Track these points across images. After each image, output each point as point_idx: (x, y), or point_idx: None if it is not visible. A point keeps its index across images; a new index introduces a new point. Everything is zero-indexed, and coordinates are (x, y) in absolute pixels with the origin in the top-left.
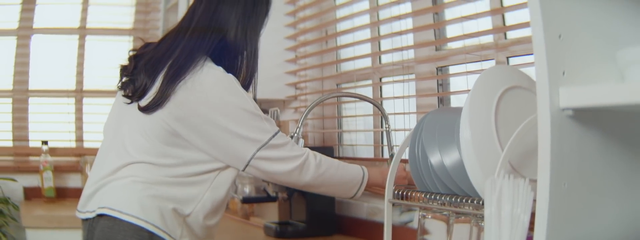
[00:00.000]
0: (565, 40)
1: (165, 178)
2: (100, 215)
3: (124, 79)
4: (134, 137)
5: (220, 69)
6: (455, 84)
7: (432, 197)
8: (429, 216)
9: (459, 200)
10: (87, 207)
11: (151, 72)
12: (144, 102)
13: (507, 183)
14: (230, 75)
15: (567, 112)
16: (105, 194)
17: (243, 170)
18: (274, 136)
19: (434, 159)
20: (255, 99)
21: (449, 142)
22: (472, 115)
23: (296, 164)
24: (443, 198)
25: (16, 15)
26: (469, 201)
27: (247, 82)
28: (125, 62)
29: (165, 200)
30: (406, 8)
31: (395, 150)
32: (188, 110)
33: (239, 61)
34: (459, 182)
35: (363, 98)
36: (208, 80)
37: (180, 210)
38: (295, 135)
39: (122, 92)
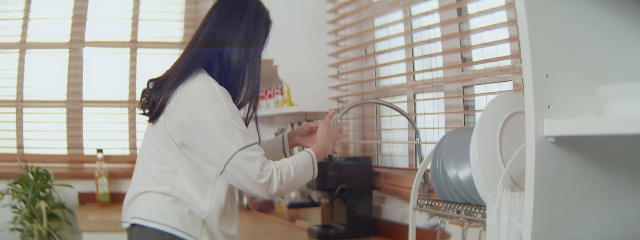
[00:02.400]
0: (552, 79)
1: (175, 178)
2: (133, 225)
3: (143, 100)
4: (150, 150)
5: (210, 80)
6: (479, 101)
7: (449, 206)
8: (447, 222)
9: (470, 209)
10: (125, 218)
11: (158, 88)
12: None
13: (506, 195)
14: (217, 87)
15: (550, 139)
16: (135, 206)
17: (220, 173)
18: (243, 148)
19: (451, 173)
20: (255, 115)
21: (463, 159)
22: (479, 137)
23: (262, 181)
24: (458, 207)
25: (68, 28)
26: (479, 210)
27: (249, 99)
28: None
29: (182, 204)
30: (435, 33)
31: None
32: (178, 115)
33: (240, 80)
34: (471, 194)
35: (395, 108)
36: (194, 89)
37: (197, 211)
38: (335, 121)
39: (140, 111)
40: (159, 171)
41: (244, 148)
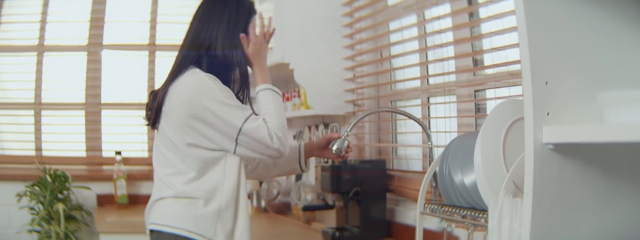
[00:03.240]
0: (551, 86)
1: (182, 179)
2: (151, 231)
3: (147, 112)
4: (157, 156)
5: (196, 71)
6: (490, 105)
7: (455, 210)
8: (454, 225)
9: (475, 214)
10: (146, 224)
11: (155, 96)
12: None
13: (508, 201)
14: (203, 75)
15: (549, 146)
16: (152, 212)
17: (234, 152)
18: (247, 120)
19: (457, 178)
20: (248, 98)
21: (468, 164)
22: (483, 142)
23: (275, 144)
24: (463, 211)
25: (85, 31)
26: (483, 215)
27: (241, 93)
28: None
29: (194, 205)
30: (448, 37)
31: None
32: (175, 113)
33: (231, 75)
34: (476, 199)
35: (404, 114)
36: (182, 84)
37: (209, 210)
38: (344, 136)
39: (145, 122)
40: (166, 175)
41: (246, 120)
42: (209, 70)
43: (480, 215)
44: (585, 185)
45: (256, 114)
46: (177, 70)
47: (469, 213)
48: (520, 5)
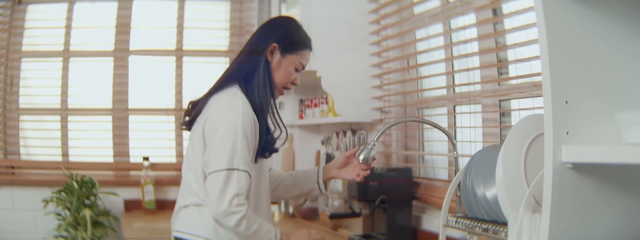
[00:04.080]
0: (572, 105)
1: (202, 185)
2: (175, 238)
3: (185, 119)
4: (187, 160)
5: (238, 94)
6: (515, 116)
7: (476, 224)
8: (475, 237)
9: (497, 228)
10: (172, 231)
11: (197, 103)
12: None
13: (527, 217)
14: (241, 103)
15: (568, 165)
16: (177, 220)
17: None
18: (232, 170)
19: (479, 191)
20: (275, 107)
21: (490, 178)
22: (505, 157)
23: (223, 208)
24: (485, 225)
25: (112, 37)
26: (504, 229)
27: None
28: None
29: None
30: (473, 47)
31: None
32: (203, 120)
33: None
34: (497, 212)
35: (429, 123)
36: (220, 100)
37: None
38: (371, 144)
39: (183, 127)
40: (188, 181)
41: (232, 170)
42: (250, 84)
43: (501, 229)
44: (602, 204)
45: (249, 174)
46: (221, 85)
47: (490, 226)
48: (542, 26)
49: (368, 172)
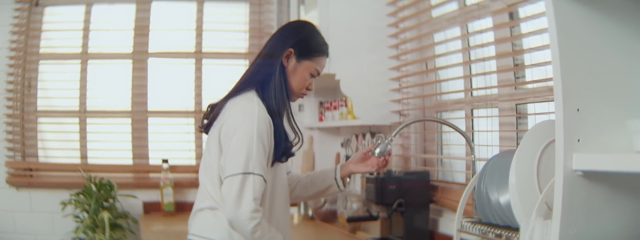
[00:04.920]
0: (583, 113)
1: (217, 189)
2: None
3: (204, 121)
4: (204, 163)
5: (255, 100)
6: (531, 120)
7: (489, 229)
8: None
9: (509, 233)
10: (188, 234)
11: (214, 106)
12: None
13: (539, 223)
14: (256, 109)
15: (578, 172)
16: (193, 223)
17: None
18: (251, 173)
19: (493, 196)
20: (291, 112)
21: (504, 184)
22: (518, 163)
23: (245, 215)
24: (498, 230)
25: (130, 39)
26: (517, 235)
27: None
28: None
29: None
30: (490, 51)
31: None
32: (219, 125)
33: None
34: (511, 218)
35: (450, 125)
36: (236, 104)
37: None
38: (387, 140)
39: (201, 130)
40: (205, 185)
41: (247, 174)
42: (268, 88)
43: (514, 235)
44: (612, 212)
45: (264, 178)
46: (238, 89)
47: (503, 232)
48: (553, 33)
49: (385, 163)
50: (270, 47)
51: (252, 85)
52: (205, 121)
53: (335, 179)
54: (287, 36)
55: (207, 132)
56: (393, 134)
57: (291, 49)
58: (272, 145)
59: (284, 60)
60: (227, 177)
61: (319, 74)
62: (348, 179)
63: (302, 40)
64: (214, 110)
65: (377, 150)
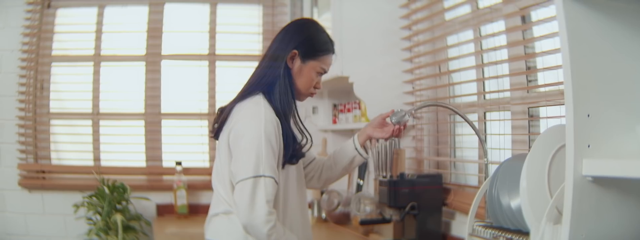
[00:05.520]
0: (593, 118)
1: (231, 193)
2: None
3: (214, 126)
4: (215, 168)
5: (262, 103)
6: (543, 123)
7: (501, 233)
8: None
9: (520, 238)
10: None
11: (223, 110)
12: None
13: (549, 228)
14: (263, 111)
15: (588, 178)
16: (208, 228)
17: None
18: (262, 176)
19: (504, 201)
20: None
21: (515, 188)
22: (529, 168)
23: (260, 218)
24: (508, 235)
25: (143, 41)
26: (527, 239)
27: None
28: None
29: None
30: (503, 54)
31: None
32: (228, 130)
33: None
34: (521, 222)
35: (467, 120)
36: (244, 108)
37: None
38: (406, 111)
39: (211, 135)
40: (218, 190)
41: (258, 177)
42: (275, 92)
43: (525, 239)
44: (622, 217)
45: (275, 180)
46: (245, 94)
47: (514, 237)
48: (564, 38)
49: (399, 132)
50: (275, 49)
51: (258, 89)
52: (216, 126)
53: (356, 149)
54: (290, 37)
55: (217, 138)
56: (412, 109)
57: (295, 50)
58: (281, 147)
59: (289, 62)
60: (239, 182)
61: (325, 71)
62: (369, 144)
63: (306, 41)
64: (223, 115)
65: (394, 119)
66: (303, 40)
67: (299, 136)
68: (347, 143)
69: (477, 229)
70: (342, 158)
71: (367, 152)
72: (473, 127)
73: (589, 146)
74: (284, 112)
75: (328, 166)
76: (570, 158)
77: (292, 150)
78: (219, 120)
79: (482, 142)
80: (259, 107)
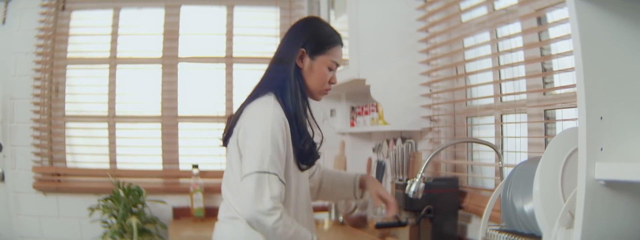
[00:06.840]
0: (606, 121)
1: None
2: None
3: (224, 133)
4: (225, 174)
5: (271, 102)
6: (559, 126)
7: (514, 238)
8: None
9: None
10: None
11: (231, 116)
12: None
13: (562, 232)
14: (271, 110)
15: (601, 182)
16: (215, 233)
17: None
18: (262, 173)
19: (518, 205)
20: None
21: (529, 192)
22: (543, 171)
23: (263, 212)
24: (521, 238)
25: (159, 44)
26: None
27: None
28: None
29: (249, 226)
30: (519, 56)
31: None
32: (236, 132)
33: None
34: (535, 226)
35: (481, 142)
36: (251, 109)
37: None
38: (420, 176)
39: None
40: (227, 197)
41: (262, 172)
42: (285, 91)
43: None
44: (634, 222)
45: (279, 178)
46: (254, 96)
47: None
48: (577, 40)
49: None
50: (282, 51)
51: (269, 91)
52: (223, 134)
53: (355, 193)
54: (296, 36)
55: (225, 145)
56: (423, 167)
57: (303, 49)
58: (290, 145)
59: (299, 62)
60: (244, 177)
61: (337, 65)
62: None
63: (311, 37)
64: (232, 118)
65: (412, 190)
66: (309, 38)
67: (315, 136)
68: (348, 178)
69: (490, 232)
70: (341, 192)
71: (362, 197)
72: (488, 144)
73: (601, 149)
74: (295, 113)
75: (325, 190)
76: (582, 161)
77: (306, 151)
78: (228, 125)
79: (497, 150)
80: (267, 106)
